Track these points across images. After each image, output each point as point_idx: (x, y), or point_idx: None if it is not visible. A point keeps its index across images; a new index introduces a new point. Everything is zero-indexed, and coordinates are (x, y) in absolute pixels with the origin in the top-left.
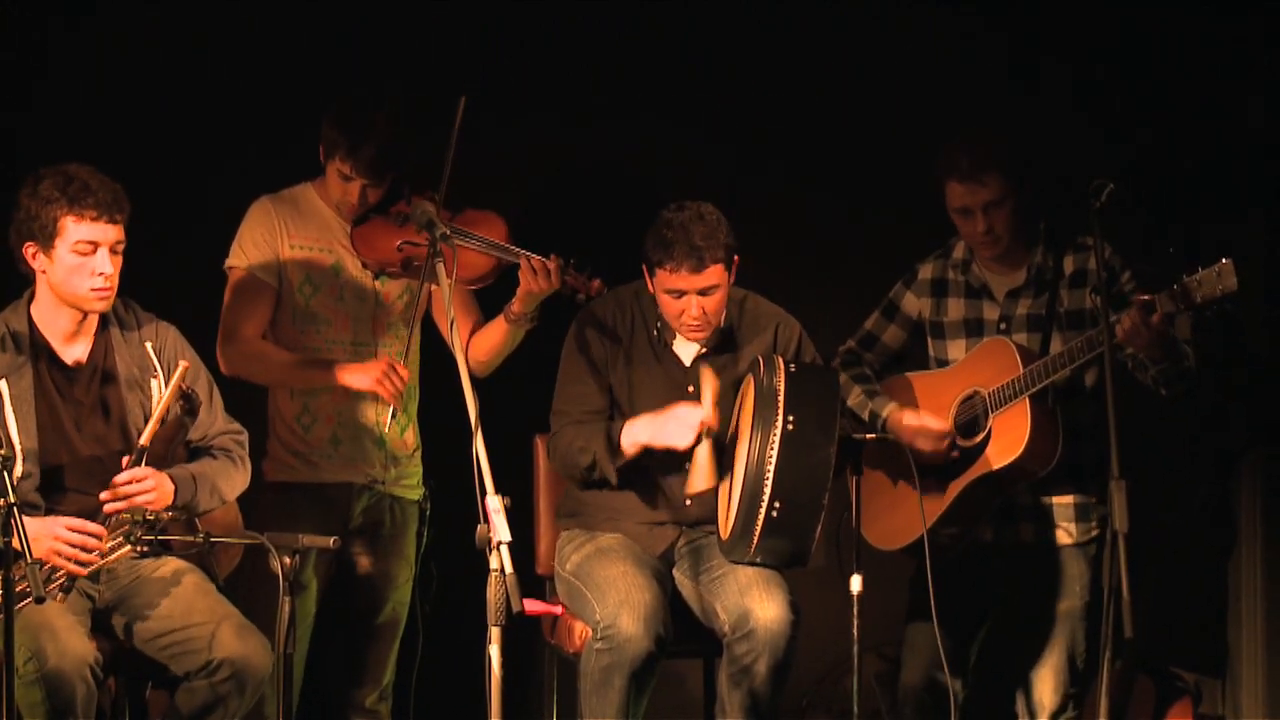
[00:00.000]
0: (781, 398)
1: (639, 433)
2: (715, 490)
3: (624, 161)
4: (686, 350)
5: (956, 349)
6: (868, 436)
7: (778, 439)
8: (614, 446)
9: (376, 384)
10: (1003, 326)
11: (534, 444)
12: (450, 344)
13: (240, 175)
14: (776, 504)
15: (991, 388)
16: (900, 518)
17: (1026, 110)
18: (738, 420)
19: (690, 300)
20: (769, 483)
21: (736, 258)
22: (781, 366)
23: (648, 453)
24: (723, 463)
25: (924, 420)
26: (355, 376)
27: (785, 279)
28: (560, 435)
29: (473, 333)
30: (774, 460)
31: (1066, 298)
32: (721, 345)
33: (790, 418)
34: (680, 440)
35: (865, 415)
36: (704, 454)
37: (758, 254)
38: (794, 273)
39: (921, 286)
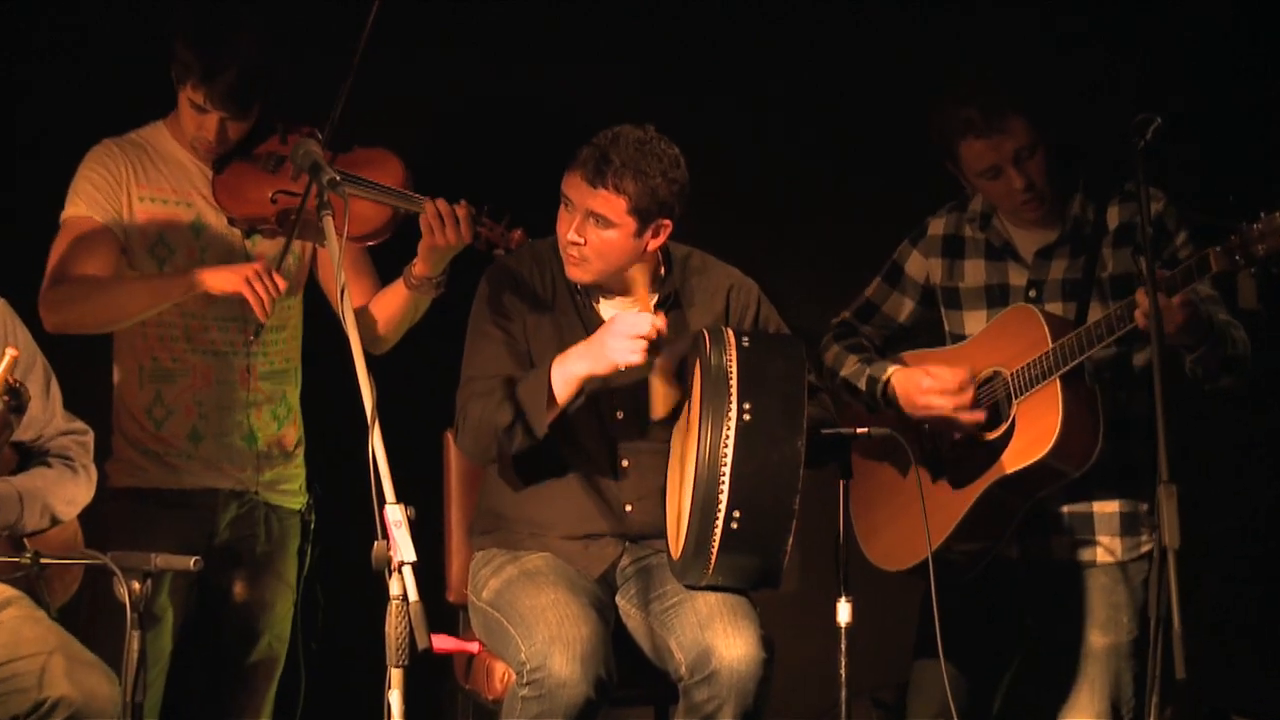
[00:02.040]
0: (734, 381)
1: (574, 365)
2: (671, 421)
3: (549, 96)
4: (613, 313)
5: (975, 321)
6: (858, 431)
7: (732, 433)
8: (543, 390)
9: (244, 284)
10: (1032, 294)
11: (444, 442)
12: (339, 316)
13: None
14: (736, 513)
15: (1014, 367)
16: (905, 531)
17: (1058, 70)
18: (685, 411)
19: (574, 217)
20: (725, 488)
21: (667, 223)
22: (732, 341)
23: (576, 450)
24: (681, 382)
25: (934, 371)
26: (218, 277)
27: (746, 246)
28: (470, 406)
29: (367, 300)
30: (729, 460)
31: (1111, 259)
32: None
33: (746, 405)
34: (627, 356)
35: (863, 384)
36: (658, 379)
37: (710, 213)
38: (760, 240)
39: (931, 245)
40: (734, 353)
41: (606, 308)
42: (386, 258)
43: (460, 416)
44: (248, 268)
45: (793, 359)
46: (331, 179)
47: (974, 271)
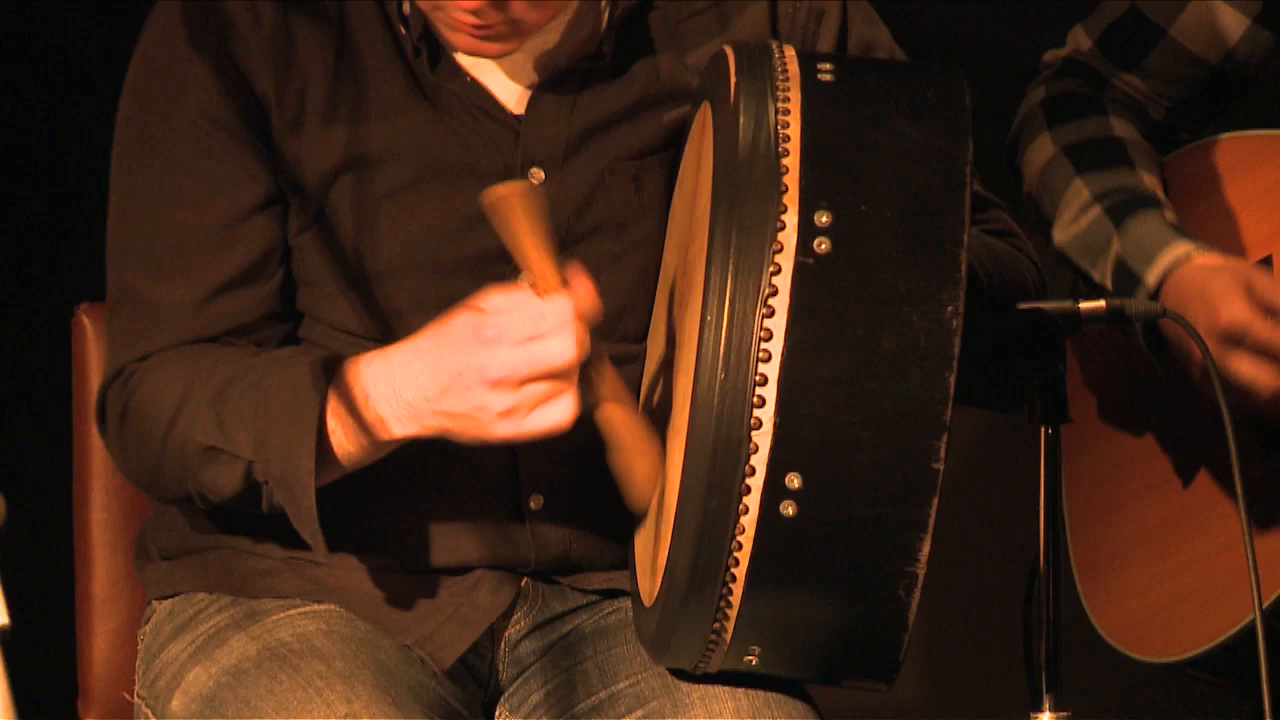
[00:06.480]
0: (797, 162)
1: (391, 414)
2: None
3: None
4: (500, 74)
5: None
6: (1108, 305)
7: (787, 282)
8: (308, 459)
9: None
10: None
11: (76, 334)
12: None
13: None
14: (791, 479)
15: None
16: (1184, 570)
17: None
18: (679, 250)
19: None
20: (767, 415)
21: None
22: (794, 67)
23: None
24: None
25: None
26: None
27: None
28: (141, 385)
29: None
30: (779, 347)
31: None
32: (615, 58)
33: (822, 218)
34: (544, 415)
35: (1106, 270)
36: (622, 421)
37: None
38: None
39: None
40: (798, 95)
41: (472, 60)
42: None
43: (114, 394)
44: None
45: (938, 117)
46: None
47: None
